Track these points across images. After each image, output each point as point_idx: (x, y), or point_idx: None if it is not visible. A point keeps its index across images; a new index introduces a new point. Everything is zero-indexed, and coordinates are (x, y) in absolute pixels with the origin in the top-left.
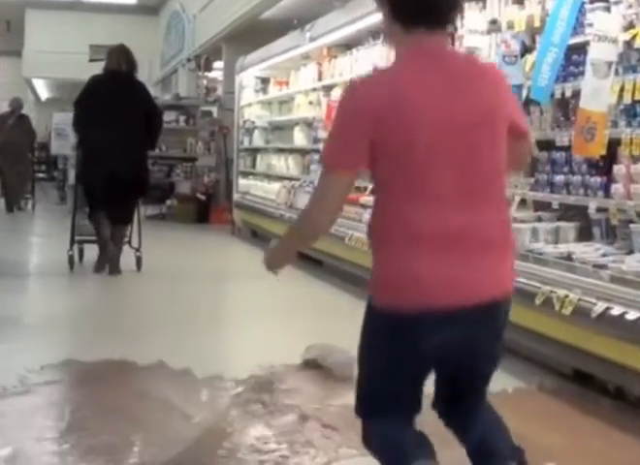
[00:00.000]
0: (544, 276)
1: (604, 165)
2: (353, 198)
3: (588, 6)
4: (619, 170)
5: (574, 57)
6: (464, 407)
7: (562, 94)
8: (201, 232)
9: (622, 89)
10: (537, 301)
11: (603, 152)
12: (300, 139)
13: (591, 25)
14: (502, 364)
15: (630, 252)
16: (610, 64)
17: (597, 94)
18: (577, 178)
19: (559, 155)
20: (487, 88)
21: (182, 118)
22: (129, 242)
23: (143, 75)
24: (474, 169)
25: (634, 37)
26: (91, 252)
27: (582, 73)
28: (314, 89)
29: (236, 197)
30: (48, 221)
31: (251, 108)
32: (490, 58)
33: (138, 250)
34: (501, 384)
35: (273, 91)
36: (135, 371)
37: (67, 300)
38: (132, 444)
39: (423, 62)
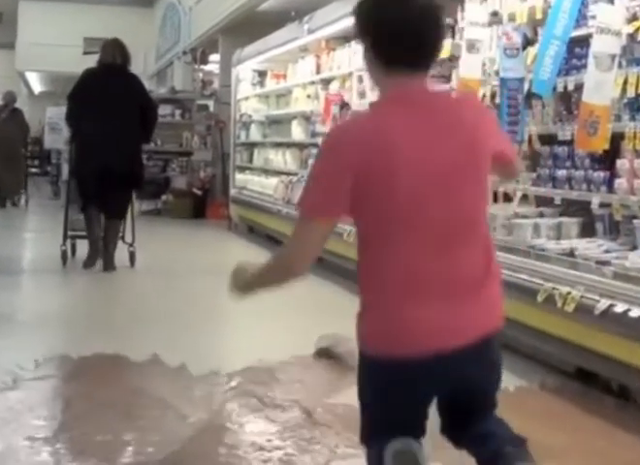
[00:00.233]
0: (546, 273)
1: (607, 159)
2: None
3: None
4: (622, 164)
5: (577, 50)
6: (475, 429)
7: (565, 87)
8: (197, 228)
9: (625, 82)
10: (539, 298)
11: (606, 146)
12: (297, 133)
13: (593, 17)
14: (504, 363)
15: (634, 248)
16: (613, 57)
17: (600, 87)
18: (580, 173)
19: (561, 149)
20: (468, 127)
21: (178, 112)
22: (122, 237)
23: (137, 68)
24: (457, 211)
25: (638, 29)
26: (84, 247)
27: (584, 66)
28: (312, 82)
29: (232, 192)
30: (41, 216)
31: (248, 101)
32: (491, 51)
33: (131, 245)
34: (503, 382)
35: (271, 84)
36: (129, 367)
37: (60, 297)
38: (126, 443)
39: (405, 106)
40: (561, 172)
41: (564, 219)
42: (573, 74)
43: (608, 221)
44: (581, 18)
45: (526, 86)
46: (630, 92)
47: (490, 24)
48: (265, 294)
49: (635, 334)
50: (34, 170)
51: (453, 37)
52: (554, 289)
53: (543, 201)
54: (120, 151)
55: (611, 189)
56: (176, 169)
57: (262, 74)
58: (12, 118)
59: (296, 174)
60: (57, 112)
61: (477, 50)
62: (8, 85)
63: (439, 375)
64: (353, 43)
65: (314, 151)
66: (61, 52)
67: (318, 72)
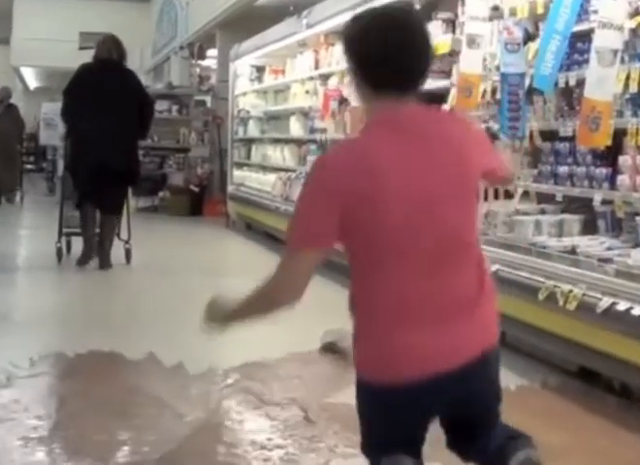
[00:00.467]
0: (547, 270)
1: (609, 156)
2: None
3: None
4: (624, 161)
5: (578, 45)
6: (481, 442)
7: (566, 83)
8: (194, 225)
9: (627, 78)
10: (540, 296)
11: (608, 143)
12: (296, 129)
13: (595, 12)
14: (505, 361)
15: (636, 245)
16: (615, 52)
17: (602, 83)
18: (581, 169)
19: (562, 146)
20: (457, 149)
21: (175, 108)
22: (118, 234)
23: (134, 63)
24: (448, 236)
25: None
26: (79, 244)
27: (586, 61)
28: (311, 78)
29: (230, 188)
30: (37, 213)
31: (246, 97)
32: (492, 46)
33: (127, 242)
34: (504, 381)
35: (269, 80)
36: (125, 365)
37: (56, 294)
38: (122, 442)
39: (393, 131)
40: (563, 169)
41: (566, 216)
42: (575, 69)
43: (610, 218)
44: (583, 13)
45: (527, 82)
46: (633, 87)
47: (490, 19)
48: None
49: (638, 333)
50: (29, 166)
51: (453, 32)
52: (555, 287)
53: (544, 198)
54: (116, 147)
55: (613, 186)
56: (173, 165)
57: (260, 69)
58: (7, 114)
59: (294, 171)
60: (53, 108)
61: (478, 45)
62: (3, 81)
63: (437, 397)
64: None
65: (313, 147)
66: (57, 47)
67: (317, 67)
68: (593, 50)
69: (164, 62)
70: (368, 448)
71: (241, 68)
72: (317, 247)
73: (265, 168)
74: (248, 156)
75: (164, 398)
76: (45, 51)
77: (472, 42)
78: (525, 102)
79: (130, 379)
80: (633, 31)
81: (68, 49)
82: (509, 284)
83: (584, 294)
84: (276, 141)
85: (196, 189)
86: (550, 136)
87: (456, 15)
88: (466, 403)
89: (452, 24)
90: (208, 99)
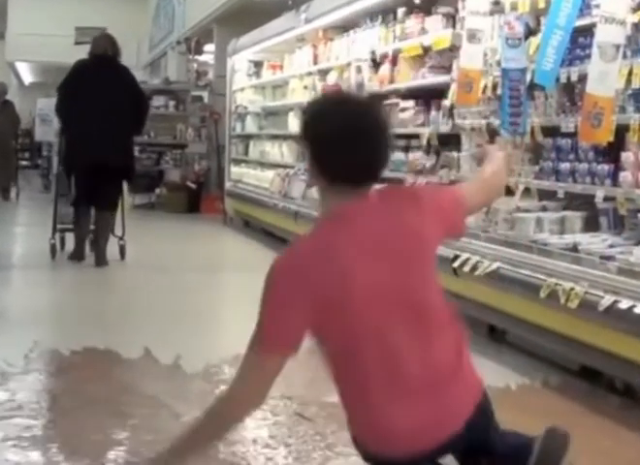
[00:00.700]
0: (549, 268)
1: (612, 152)
2: None
3: None
4: (627, 157)
5: (580, 40)
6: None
7: (568, 78)
8: (191, 222)
9: (630, 73)
10: (542, 294)
11: (611, 139)
12: (294, 125)
13: (597, 6)
14: (505, 360)
15: (639, 243)
16: (618, 47)
17: (604, 78)
18: (583, 166)
19: (564, 142)
20: (414, 229)
21: (172, 103)
22: (112, 231)
23: (130, 58)
24: (418, 318)
25: None
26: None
27: (588, 56)
28: (309, 73)
29: (227, 185)
30: (32, 210)
31: (244, 92)
32: (492, 41)
33: (121, 238)
34: (504, 380)
35: (267, 75)
36: (120, 363)
37: (50, 291)
38: (118, 442)
39: (348, 225)
40: (565, 165)
41: (568, 213)
42: (577, 64)
43: (612, 215)
44: (585, 7)
45: (528, 77)
46: (635, 83)
47: (491, 13)
48: (260, 287)
49: None
50: (24, 162)
51: (454, 26)
52: (557, 285)
53: (546, 195)
54: (111, 144)
55: (615, 182)
56: (170, 161)
57: (258, 64)
58: (2, 111)
59: (292, 167)
60: (48, 104)
61: (478, 40)
62: None
63: (440, 454)
64: (351, 32)
65: None
66: (52, 42)
67: (315, 62)
68: (595, 45)
69: (161, 57)
70: None
71: (239, 63)
72: (285, 352)
73: (263, 164)
74: (246, 152)
75: (160, 397)
76: (40, 46)
77: (473, 36)
78: (526, 97)
79: (125, 377)
80: (636, 26)
81: (64, 44)
82: (510, 282)
83: (586, 292)
84: (274, 137)
85: (193, 186)
86: (551, 132)
87: (456, 10)
88: (471, 445)
89: (452, 19)
90: (205, 94)
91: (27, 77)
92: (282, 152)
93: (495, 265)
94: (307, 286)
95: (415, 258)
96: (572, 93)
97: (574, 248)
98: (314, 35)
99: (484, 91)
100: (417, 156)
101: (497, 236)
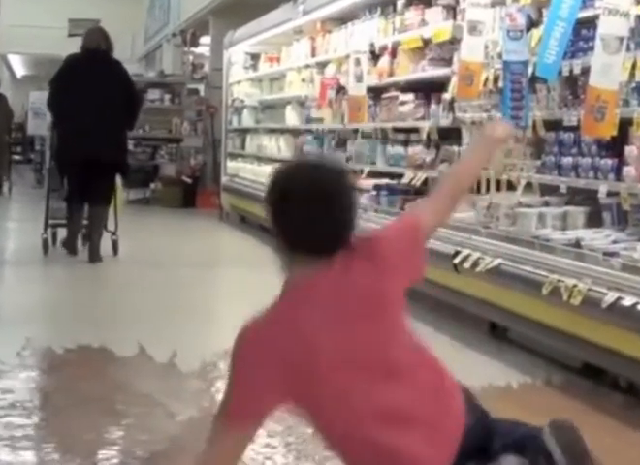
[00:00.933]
0: (551, 264)
1: (615, 146)
2: None
3: None
4: (630, 151)
5: (583, 32)
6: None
7: (571, 71)
8: (187, 218)
9: (633, 66)
10: (544, 291)
11: (614, 133)
12: (292, 118)
13: None
14: (507, 358)
15: None
16: (621, 39)
17: (608, 71)
18: (586, 160)
19: (567, 136)
20: (377, 292)
21: (167, 97)
22: (105, 226)
23: (125, 51)
24: (384, 371)
25: None
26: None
27: (591, 48)
28: (307, 66)
29: (224, 180)
30: (24, 205)
31: (240, 85)
32: (493, 33)
33: (114, 234)
34: (506, 378)
35: (264, 68)
36: (114, 361)
37: (43, 288)
38: (112, 442)
39: (312, 295)
40: (567, 160)
41: (570, 208)
42: (579, 57)
43: (616, 210)
44: None
45: (530, 70)
46: (639, 76)
47: (492, 5)
48: (256, 283)
49: None
50: (17, 157)
51: (454, 18)
52: (559, 281)
53: (548, 190)
54: (104, 138)
55: (619, 177)
56: (166, 156)
57: (255, 57)
58: None
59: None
60: (41, 97)
61: (479, 32)
62: None
63: None
64: (350, 24)
65: (309, 137)
66: (45, 34)
67: (313, 55)
68: (599, 37)
69: (156, 50)
70: None
71: (236, 55)
72: (250, 422)
73: (260, 158)
74: (243, 146)
75: (155, 396)
76: (33, 38)
77: (474, 28)
78: (527, 90)
79: (120, 375)
80: (639, 18)
81: (57, 36)
82: (512, 278)
83: (589, 289)
84: (272, 131)
85: (189, 180)
86: (554, 125)
87: (457, 1)
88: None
89: (452, 11)
90: (201, 87)
91: (20, 70)
92: (279, 146)
93: (496, 262)
94: (274, 356)
95: (379, 319)
96: (575, 86)
97: (577, 244)
98: (312, 27)
99: (485, 84)
100: (417, 150)
101: (499, 232)
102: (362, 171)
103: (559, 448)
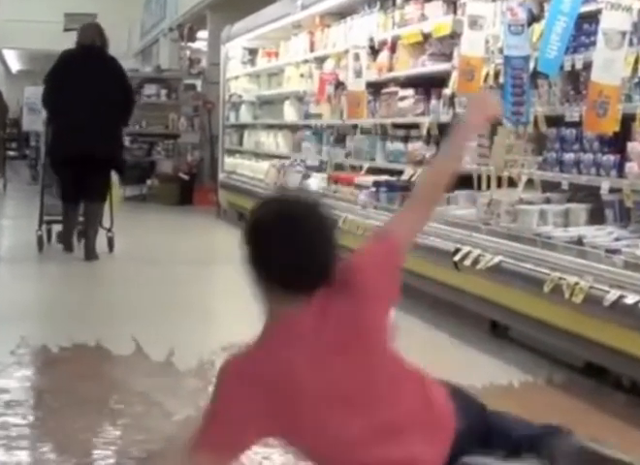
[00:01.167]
0: (553, 262)
1: (617, 142)
2: (348, 178)
3: None
4: (633, 147)
5: (585, 26)
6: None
7: (573, 66)
8: (184, 215)
9: (636, 61)
10: (546, 289)
11: (616, 128)
12: (290, 114)
13: None
14: (508, 357)
15: None
16: (624, 34)
17: (610, 66)
18: (588, 156)
19: (568, 132)
20: (359, 326)
21: (164, 92)
22: (100, 222)
23: (121, 46)
24: (369, 402)
25: None
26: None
27: (593, 43)
28: (306, 61)
29: (221, 176)
30: (19, 202)
31: (238, 81)
32: (494, 27)
33: (110, 230)
34: (507, 377)
35: (262, 63)
36: (110, 360)
37: (38, 285)
38: (108, 442)
39: (293, 333)
40: (569, 156)
41: (572, 205)
42: (581, 51)
43: (618, 207)
44: None
45: (531, 65)
46: None
47: None
48: None
49: None
50: (12, 153)
51: (454, 12)
52: (561, 279)
53: (550, 187)
54: (99, 134)
55: (621, 173)
56: (162, 152)
57: (252, 51)
58: None
59: (288, 158)
60: (36, 92)
61: (480, 27)
62: None
63: None
64: (349, 19)
65: (308, 133)
66: (40, 29)
67: (312, 49)
68: (601, 32)
69: (152, 44)
70: None
71: (233, 50)
72: (222, 456)
73: (257, 155)
74: (240, 142)
75: (151, 395)
76: (28, 33)
77: (474, 23)
78: (529, 86)
79: (116, 374)
80: None
81: (52, 31)
82: (513, 276)
83: (591, 287)
84: (270, 127)
85: (186, 177)
86: (555, 121)
87: None
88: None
89: (453, 5)
90: (198, 83)
91: (14, 65)
92: (277, 142)
93: (497, 259)
94: (257, 392)
95: (361, 351)
96: (577, 81)
97: (579, 241)
98: (311, 21)
99: (486, 79)
100: (417, 146)
101: (500, 229)
102: (361, 168)
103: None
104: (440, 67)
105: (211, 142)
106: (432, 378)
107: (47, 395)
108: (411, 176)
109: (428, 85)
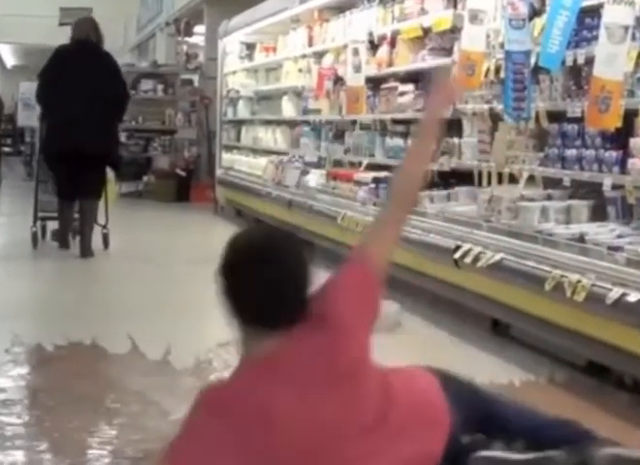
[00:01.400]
0: (554, 259)
1: (620, 138)
2: (347, 174)
3: None
4: (636, 143)
5: (587, 21)
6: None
7: (574, 61)
8: (181, 211)
9: (639, 56)
10: (547, 287)
11: (619, 124)
12: (288, 109)
13: None
14: (509, 355)
15: None
16: (626, 28)
17: (612, 61)
18: (590, 152)
19: (570, 127)
20: (334, 355)
21: (160, 87)
22: (95, 219)
23: (117, 40)
24: (347, 435)
25: None
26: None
27: (595, 38)
28: (304, 56)
29: (218, 173)
30: (14, 198)
31: (235, 76)
32: (495, 22)
33: (105, 227)
34: (508, 376)
35: (260, 58)
36: (106, 358)
37: (33, 283)
38: (103, 442)
39: (268, 369)
40: (571, 152)
41: (574, 202)
42: (583, 46)
43: (621, 204)
44: None
45: (532, 60)
46: None
47: None
48: None
49: None
50: (7, 149)
51: (455, 7)
52: (562, 277)
53: (551, 183)
54: (94, 130)
55: (624, 170)
56: (159, 148)
57: (250, 46)
58: None
59: (286, 154)
60: (31, 88)
61: (481, 21)
62: None
63: None
64: (348, 13)
65: (306, 129)
66: (35, 23)
67: (310, 44)
68: (603, 26)
69: (149, 39)
70: None
71: (231, 45)
72: None
73: (255, 151)
74: (238, 138)
75: (148, 394)
76: (23, 27)
77: (475, 17)
78: (530, 81)
79: (112, 373)
80: None
81: (48, 25)
82: (514, 274)
83: (593, 285)
84: (268, 123)
85: (182, 173)
86: (557, 117)
87: None
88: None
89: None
90: (195, 78)
91: (9, 60)
92: (276, 138)
93: (498, 257)
94: (227, 423)
95: (338, 383)
96: (579, 76)
97: (581, 238)
98: (309, 16)
99: (486, 74)
100: None
101: (501, 226)
102: (360, 164)
103: None
104: (440, 62)
105: (209, 138)
106: (421, 370)
107: (41, 394)
108: None
109: (428, 80)
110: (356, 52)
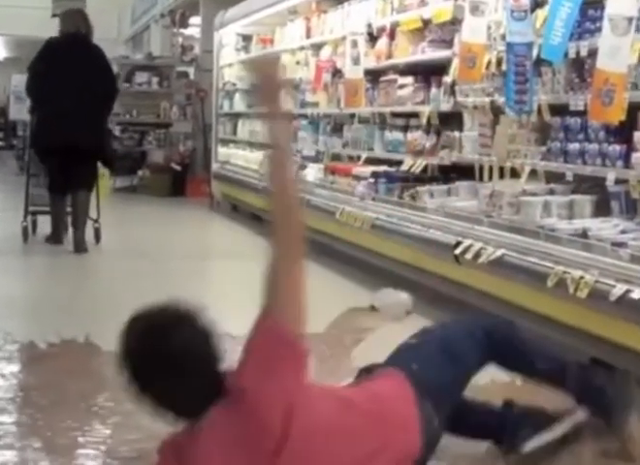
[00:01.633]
0: (557, 255)
1: (623, 131)
2: (345, 168)
3: None
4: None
5: (590, 12)
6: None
7: (577, 53)
8: (176, 206)
9: None
10: (549, 283)
11: (622, 117)
12: (286, 102)
13: None
14: None
15: None
16: (630, 20)
17: (616, 53)
18: (593, 146)
19: (573, 121)
20: (253, 421)
21: (155, 80)
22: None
23: (111, 32)
24: None
25: None
26: (46, 223)
27: (599, 29)
28: (302, 48)
29: (214, 167)
30: (6, 193)
31: (232, 68)
32: (497, 13)
33: (96, 221)
34: (509, 375)
35: (257, 50)
36: (100, 356)
37: (24, 279)
38: (98, 441)
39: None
40: (574, 146)
41: (577, 197)
42: (586, 38)
43: (624, 199)
44: None
45: (534, 52)
46: None
47: None
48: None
49: None
50: None
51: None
52: (565, 273)
53: (554, 178)
54: (85, 123)
55: (627, 164)
56: (154, 142)
57: (247, 38)
58: None
59: None
60: (23, 80)
61: (482, 13)
62: None
63: None
64: (346, 4)
65: (304, 122)
66: (27, 14)
67: (308, 36)
68: (606, 18)
69: (143, 31)
70: None
71: (227, 37)
72: None
73: (252, 144)
74: (234, 132)
75: None
76: (15, 19)
77: (476, 9)
78: (532, 73)
79: (106, 371)
80: None
81: (40, 17)
82: (515, 270)
83: (596, 281)
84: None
85: (178, 167)
86: (559, 110)
87: None
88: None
89: None
90: (190, 70)
91: (1, 52)
92: None
93: (499, 252)
94: None
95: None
96: (582, 69)
97: (584, 234)
98: (307, 7)
99: (487, 67)
100: (416, 136)
101: (502, 221)
102: (359, 158)
103: None
104: (441, 54)
105: (204, 132)
106: (388, 375)
107: (34, 393)
108: (411, 167)
109: (428, 73)
110: (354, 44)
